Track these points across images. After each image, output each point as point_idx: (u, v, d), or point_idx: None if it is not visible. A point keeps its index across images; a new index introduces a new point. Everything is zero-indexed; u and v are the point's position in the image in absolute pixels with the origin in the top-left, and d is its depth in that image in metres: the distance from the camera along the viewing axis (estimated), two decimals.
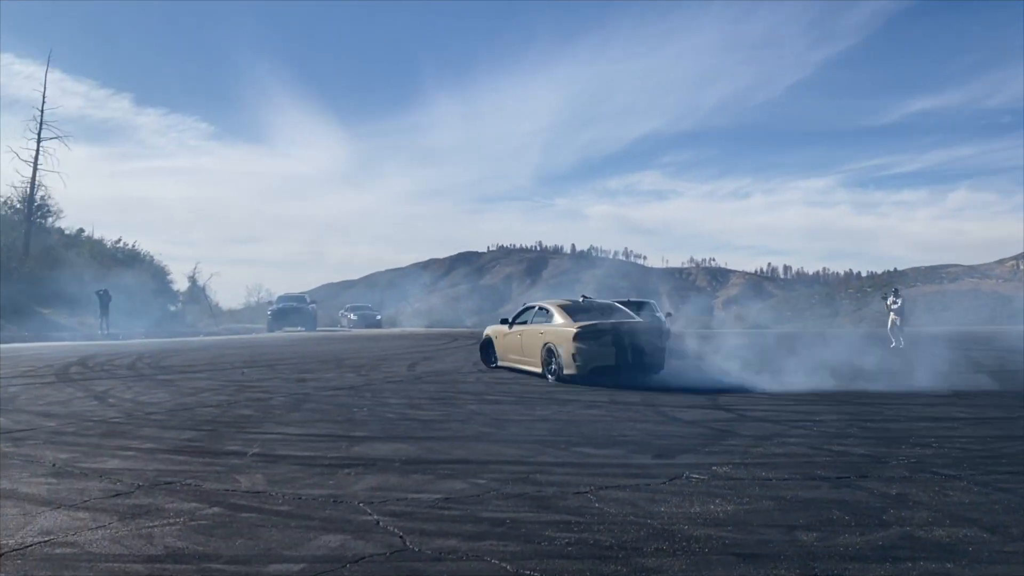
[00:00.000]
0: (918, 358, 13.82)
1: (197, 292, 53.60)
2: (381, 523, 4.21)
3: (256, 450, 6.37)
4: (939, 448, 6.22)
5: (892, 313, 20.72)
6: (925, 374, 11.58)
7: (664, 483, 5.10)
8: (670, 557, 3.61)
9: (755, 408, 8.81)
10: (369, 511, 4.46)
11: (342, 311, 47.74)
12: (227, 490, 5.03)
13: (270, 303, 41.35)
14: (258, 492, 4.96)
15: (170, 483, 5.23)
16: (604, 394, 10.10)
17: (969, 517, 4.22)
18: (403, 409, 8.82)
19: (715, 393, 10.15)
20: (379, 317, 45.97)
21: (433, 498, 4.74)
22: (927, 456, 5.87)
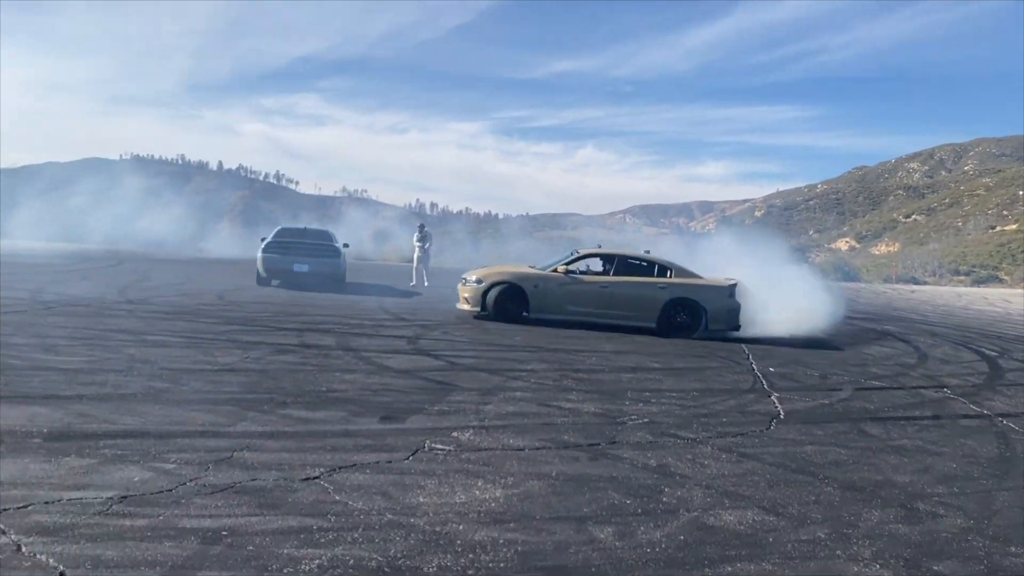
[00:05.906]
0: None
1: None
2: (24, 549, 2.80)
3: None
4: (660, 404, 6.17)
5: (417, 251, 20.14)
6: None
7: (407, 459, 4.25)
8: None
9: (461, 355, 8.30)
10: (0, 525, 2.99)
11: None
12: None
13: None
14: None
15: None
16: (292, 336, 8.89)
17: (741, 494, 4.00)
18: (33, 353, 6.78)
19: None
20: None
21: (103, 498, 3.36)
22: (656, 415, 5.75)
